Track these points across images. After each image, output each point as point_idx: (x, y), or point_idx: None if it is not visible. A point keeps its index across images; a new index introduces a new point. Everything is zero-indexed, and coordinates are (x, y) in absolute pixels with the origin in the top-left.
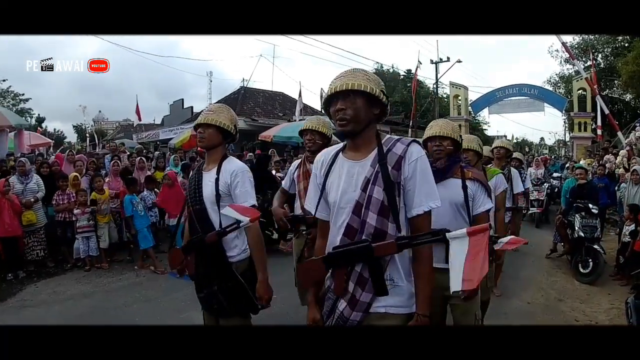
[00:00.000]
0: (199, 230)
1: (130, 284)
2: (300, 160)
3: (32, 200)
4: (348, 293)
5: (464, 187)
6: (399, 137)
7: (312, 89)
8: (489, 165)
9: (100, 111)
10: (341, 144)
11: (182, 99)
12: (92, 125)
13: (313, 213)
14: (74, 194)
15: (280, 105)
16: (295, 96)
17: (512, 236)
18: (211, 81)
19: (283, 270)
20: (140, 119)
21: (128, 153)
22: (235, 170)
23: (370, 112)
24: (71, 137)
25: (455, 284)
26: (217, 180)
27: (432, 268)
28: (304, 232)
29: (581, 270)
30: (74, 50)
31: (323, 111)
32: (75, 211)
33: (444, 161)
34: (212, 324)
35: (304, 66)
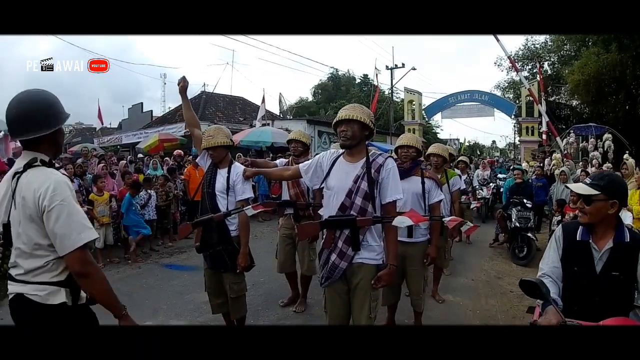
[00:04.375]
0: (209, 210)
1: (129, 275)
2: (288, 160)
3: None
4: (338, 248)
5: (423, 183)
6: (380, 152)
7: (270, 94)
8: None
9: None
10: (342, 150)
11: (142, 103)
12: None
13: (311, 185)
14: None
15: (240, 109)
16: (254, 100)
17: (453, 216)
18: (165, 84)
19: (266, 245)
20: (102, 123)
21: (98, 158)
22: (239, 172)
23: (362, 133)
24: None
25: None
26: (228, 177)
27: (396, 236)
28: (290, 215)
29: (517, 254)
30: (23, 49)
31: (281, 115)
32: None
33: (409, 163)
34: (214, 279)
35: (262, 71)
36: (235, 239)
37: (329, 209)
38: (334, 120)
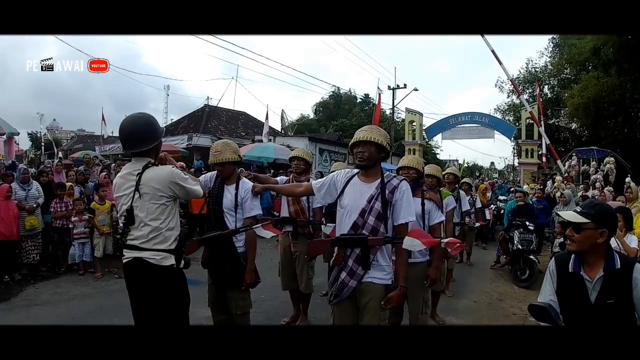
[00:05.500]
0: (215, 227)
1: None
2: (289, 177)
3: (35, 205)
4: (348, 267)
5: (422, 204)
6: (394, 174)
7: (272, 109)
8: (441, 188)
9: (54, 119)
10: (356, 170)
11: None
12: (45, 134)
13: (324, 203)
14: (72, 202)
15: (242, 124)
16: (257, 116)
17: (451, 238)
18: (168, 95)
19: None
20: (106, 131)
21: (101, 166)
22: (248, 188)
23: (378, 155)
24: (23, 144)
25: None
26: (236, 194)
27: (406, 258)
28: (289, 232)
29: (519, 276)
30: (26, 54)
31: (283, 132)
32: (73, 219)
33: (409, 184)
34: (218, 295)
35: (265, 86)
36: (242, 255)
37: (341, 227)
38: (351, 141)
